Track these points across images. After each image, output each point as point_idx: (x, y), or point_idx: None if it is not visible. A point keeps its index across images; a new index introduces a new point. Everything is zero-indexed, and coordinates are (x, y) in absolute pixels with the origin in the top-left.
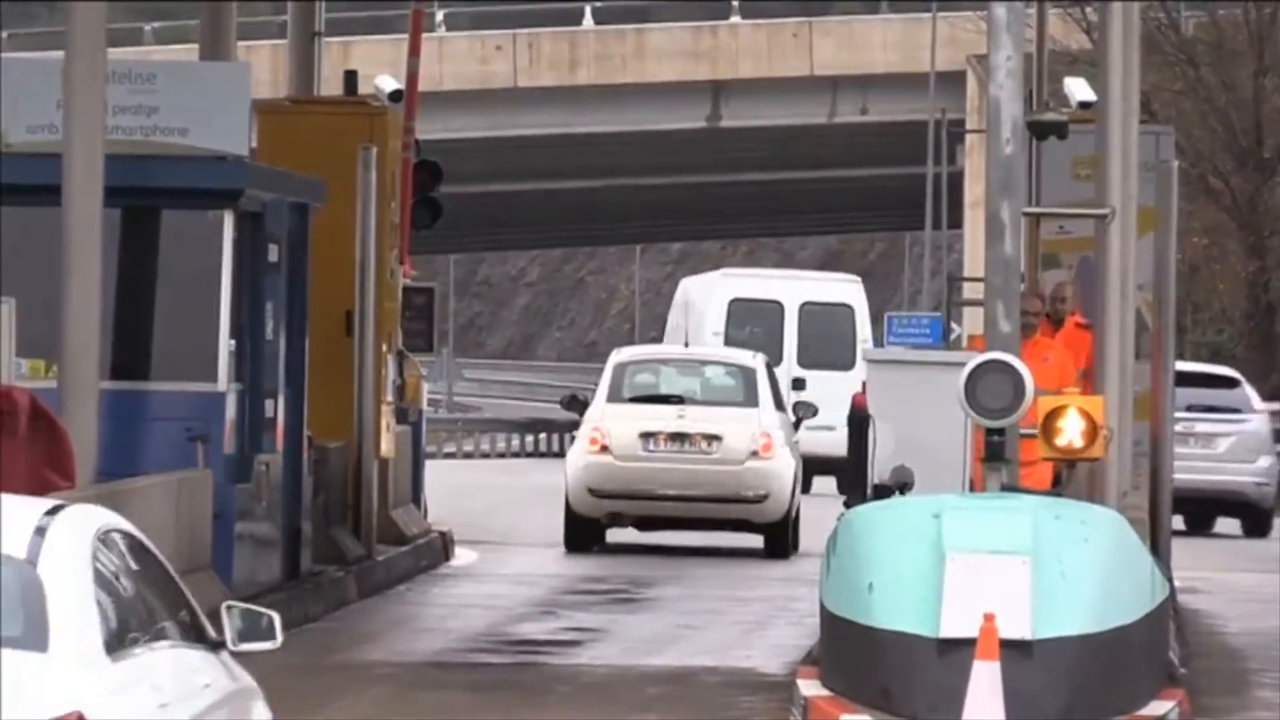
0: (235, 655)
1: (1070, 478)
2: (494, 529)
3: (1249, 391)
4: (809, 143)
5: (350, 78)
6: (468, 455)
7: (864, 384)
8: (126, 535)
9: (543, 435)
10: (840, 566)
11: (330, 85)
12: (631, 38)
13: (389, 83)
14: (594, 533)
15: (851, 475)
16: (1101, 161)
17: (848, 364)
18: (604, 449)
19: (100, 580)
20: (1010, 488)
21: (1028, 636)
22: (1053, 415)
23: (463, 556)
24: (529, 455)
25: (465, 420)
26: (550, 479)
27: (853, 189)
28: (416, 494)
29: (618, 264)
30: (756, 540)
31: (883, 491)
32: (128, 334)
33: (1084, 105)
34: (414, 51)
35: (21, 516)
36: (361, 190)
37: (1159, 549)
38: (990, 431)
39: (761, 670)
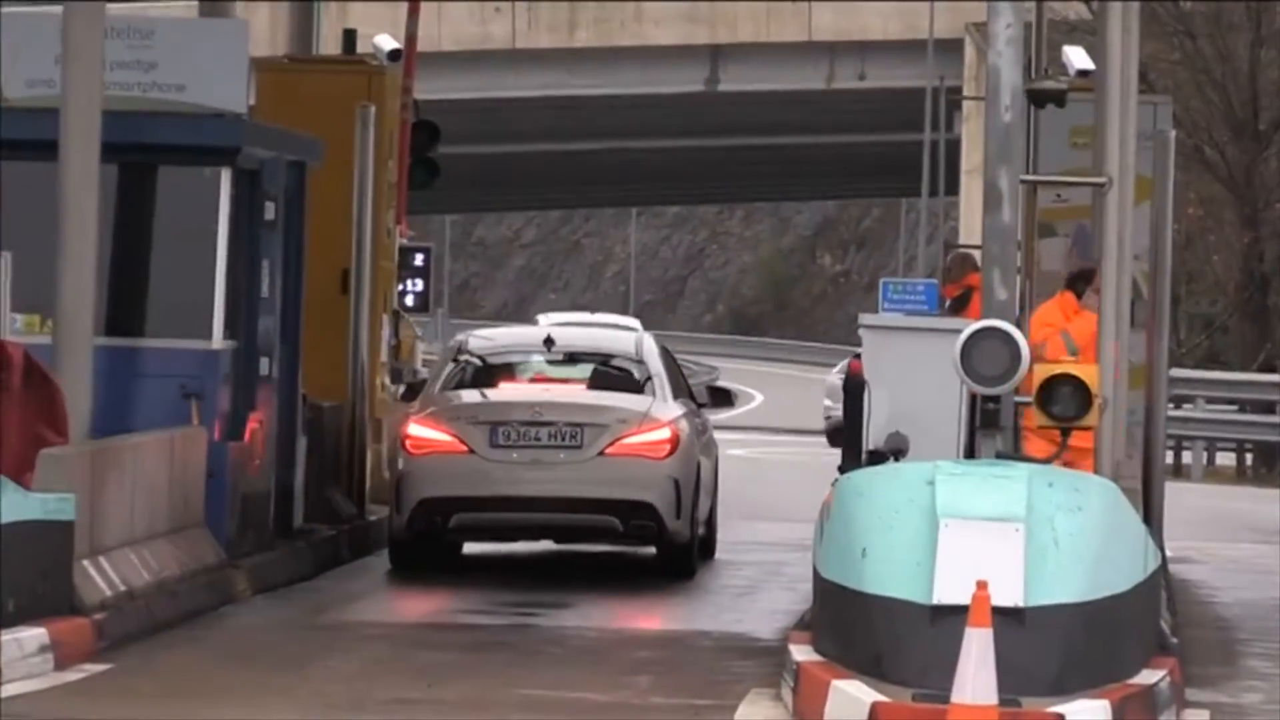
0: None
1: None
2: None
3: None
4: (806, 108)
5: (349, 36)
6: None
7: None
8: (664, 348)
9: None
10: (834, 532)
11: (329, 44)
12: (630, 1)
13: (388, 42)
14: None
15: (847, 441)
16: (1099, 130)
17: None
18: None
19: (663, 364)
20: (1005, 455)
21: (1020, 604)
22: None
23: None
24: None
25: None
26: None
27: (849, 155)
28: None
29: (613, 226)
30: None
31: (877, 458)
32: (123, 290)
33: (1082, 74)
34: (413, 12)
35: (624, 336)
36: (359, 149)
37: (1152, 518)
38: (985, 398)
39: (753, 634)
